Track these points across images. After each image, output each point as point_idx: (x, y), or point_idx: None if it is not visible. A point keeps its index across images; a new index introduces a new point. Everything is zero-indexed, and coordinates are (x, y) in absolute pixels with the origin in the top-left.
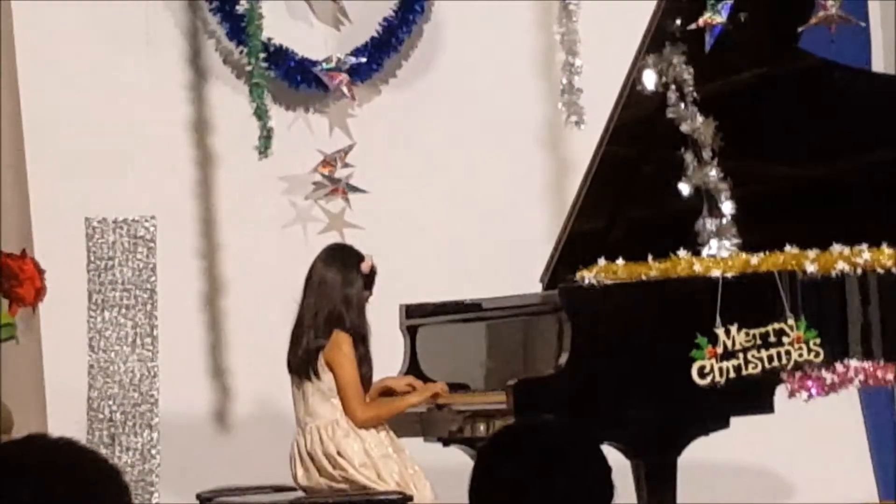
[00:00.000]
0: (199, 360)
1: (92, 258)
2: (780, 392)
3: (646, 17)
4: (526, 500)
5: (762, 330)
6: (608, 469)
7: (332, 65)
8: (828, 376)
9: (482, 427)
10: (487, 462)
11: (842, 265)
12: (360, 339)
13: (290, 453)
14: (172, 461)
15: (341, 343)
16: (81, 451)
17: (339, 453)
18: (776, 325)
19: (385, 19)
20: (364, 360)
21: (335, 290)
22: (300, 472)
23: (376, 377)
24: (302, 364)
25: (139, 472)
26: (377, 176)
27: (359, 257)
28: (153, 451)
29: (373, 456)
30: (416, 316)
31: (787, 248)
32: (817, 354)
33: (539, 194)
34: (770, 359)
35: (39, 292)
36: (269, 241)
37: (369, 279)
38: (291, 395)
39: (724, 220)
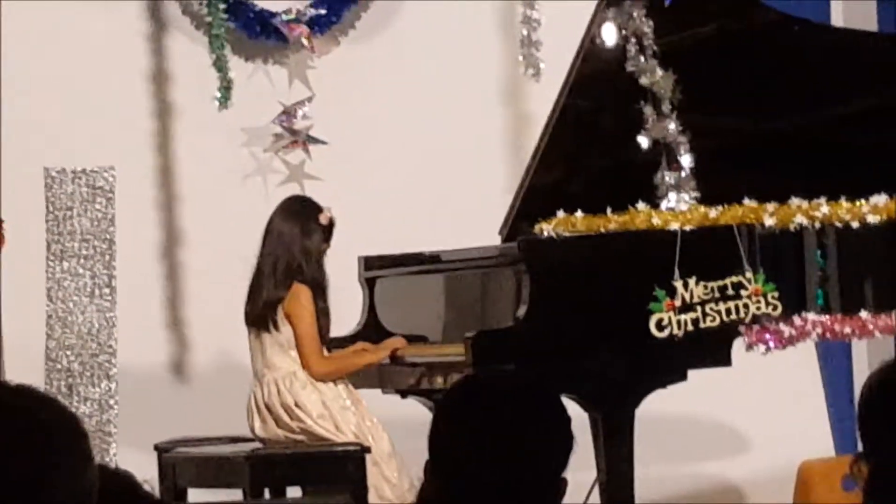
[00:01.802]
0: (157, 310)
1: (50, 208)
2: (738, 345)
3: None
4: (485, 450)
5: (720, 283)
6: (567, 420)
7: (292, 16)
8: (785, 329)
9: (440, 379)
10: (447, 413)
11: (800, 219)
12: (320, 291)
13: (248, 405)
14: (130, 412)
15: (300, 295)
16: (40, 397)
17: (296, 405)
18: (734, 279)
19: None
20: (322, 313)
21: (294, 242)
22: (257, 423)
23: (335, 329)
24: (260, 316)
25: (97, 423)
26: (337, 128)
27: (317, 209)
28: (111, 402)
29: (330, 408)
30: (374, 268)
31: (746, 201)
32: (775, 308)
33: (498, 147)
34: (728, 312)
35: None
36: (227, 193)
37: (328, 231)
38: (249, 347)
39: (683, 174)
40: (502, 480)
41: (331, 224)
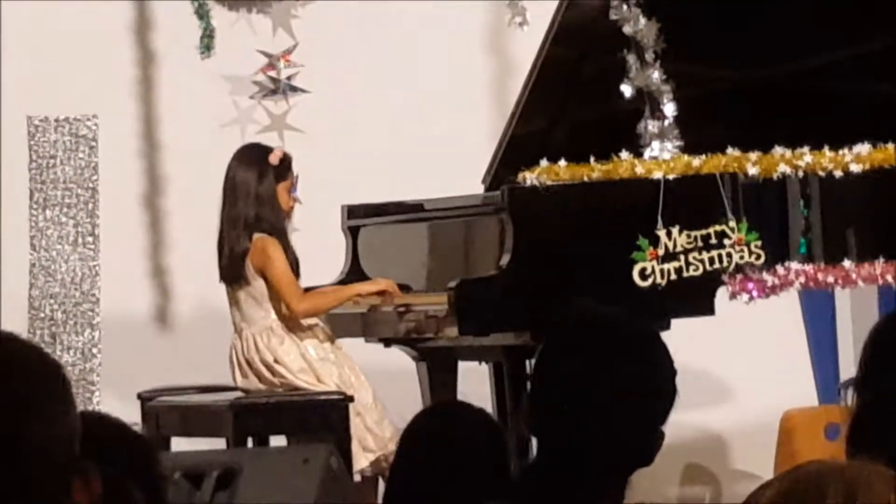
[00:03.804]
0: (140, 259)
1: (34, 157)
2: (722, 294)
3: None
4: (587, 395)
5: (703, 232)
6: (674, 373)
7: None
8: (769, 278)
9: (423, 327)
10: (552, 352)
11: (783, 168)
12: (280, 235)
13: (230, 359)
14: (113, 360)
15: (264, 246)
16: (21, 344)
17: (276, 361)
18: (717, 228)
19: None
20: (288, 253)
21: (249, 191)
22: (239, 376)
23: (319, 279)
24: (230, 270)
25: (80, 372)
26: (320, 77)
27: (266, 151)
28: (94, 350)
29: (310, 360)
30: (357, 216)
31: (729, 150)
32: (758, 257)
33: (482, 96)
34: (711, 261)
35: None
36: (211, 141)
37: (282, 169)
38: (227, 301)
39: (667, 122)
40: (600, 423)
41: (283, 161)
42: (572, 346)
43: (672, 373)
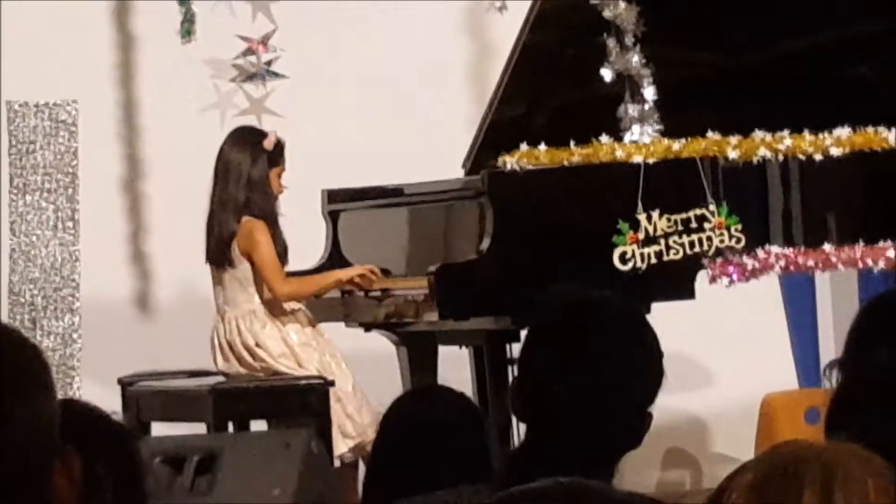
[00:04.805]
0: (120, 244)
1: (13, 142)
2: (702, 278)
3: None
4: (574, 375)
5: (684, 216)
6: (660, 354)
7: None
8: (749, 262)
9: (403, 312)
10: (538, 332)
11: (763, 151)
12: (270, 220)
13: (211, 341)
14: (94, 345)
15: (252, 230)
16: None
17: (257, 345)
18: (698, 211)
19: None
20: (276, 239)
21: (241, 174)
22: (220, 360)
23: (299, 264)
24: (217, 252)
25: (60, 357)
26: (299, 61)
27: (261, 135)
28: (74, 336)
29: (291, 345)
30: (337, 201)
31: (709, 134)
32: (738, 240)
33: (462, 80)
34: (691, 244)
35: None
36: (190, 126)
37: (275, 155)
38: (212, 283)
39: (647, 106)
40: (588, 407)
41: (277, 147)
42: (559, 330)
43: (659, 354)
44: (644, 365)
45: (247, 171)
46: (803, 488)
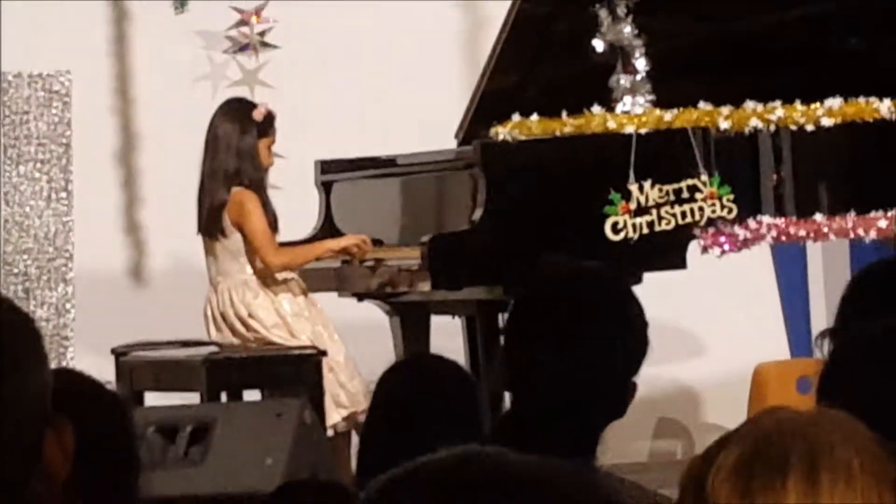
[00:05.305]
0: (113, 215)
1: (7, 112)
2: (694, 248)
3: None
4: (558, 345)
5: (675, 186)
6: (645, 323)
7: None
8: (740, 232)
9: (396, 282)
10: (524, 304)
11: (755, 122)
12: (258, 190)
13: (204, 312)
14: (87, 316)
15: (243, 201)
16: None
17: (250, 315)
18: (689, 182)
19: None
20: (266, 209)
21: (230, 145)
22: (213, 330)
23: (291, 234)
24: (208, 224)
25: (54, 327)
26: (292, 32)
27: (250, 106)
28: (68, 306)
29: (284, 315)
30: (330, 172)
31: (701, 104)
32: (730, 211)
33: (454, 50)
34: (683, 215)
35: None
36: (184, 97)
37: (265, 126)
38: (204, 254)
39: (638, 77)
40: (573, 377)
41: (266, 118)
42: (544, 300)
43: (644, 324)
44: (628, 335)
45: (235, 142)
46: (788, 472)
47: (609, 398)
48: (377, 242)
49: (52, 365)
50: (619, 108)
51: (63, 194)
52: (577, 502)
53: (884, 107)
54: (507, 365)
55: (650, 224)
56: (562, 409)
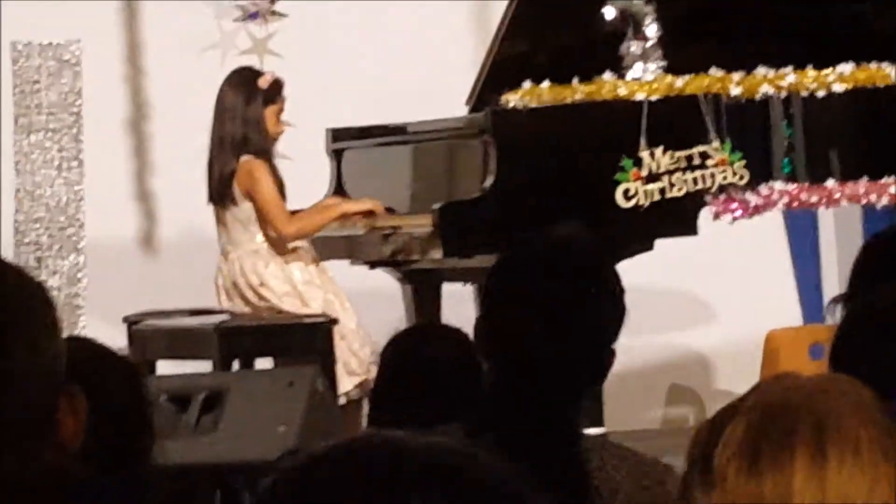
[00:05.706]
0: (124, 184)
1: (17, 82)
2: (705, 215)
3: None
4: (536, 313)
5: (687, 153)
6: (622, 290)
7: None
8: (752, 199)
9: (408, 249)
10: (500, 273)
11: (766, 88)
12: (266, 157)
13: (215, 281)
14: (99, 284)
15: (252, 169)
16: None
17: (261, 284)
18: (700, 148)
19: None
20: (274, 176)
21: (237, 114)
22: (225, 299)
23: (303, 202)
24: (218, 192)
25: (66, 296)
26: (302, 2)
27: (257, 74)
28: (80, 275)
29: (295, 283)
30: (342, 139)
31: (712, 70)
32: (741, 177)
33: (465, 18)
34: (695, 181)
35: None
36: (194, 66)
37: (271, 93)
38: (215, 223)
39: (649, 43)
40: (552, 346)
41: (273, 86)
42: (519, 268)
43: (620, 291)
44: (606, 302)
45: (241, 110)
46: (795, 450)
47: (587, 364)
48: (388, 210)
49: (65, 333)
50: (630, 74)
51: (74, 163)
52: (472, 488)
53: (895, 72)
54: (483, 332)
55: (661, 191)
56: (540, 376)
